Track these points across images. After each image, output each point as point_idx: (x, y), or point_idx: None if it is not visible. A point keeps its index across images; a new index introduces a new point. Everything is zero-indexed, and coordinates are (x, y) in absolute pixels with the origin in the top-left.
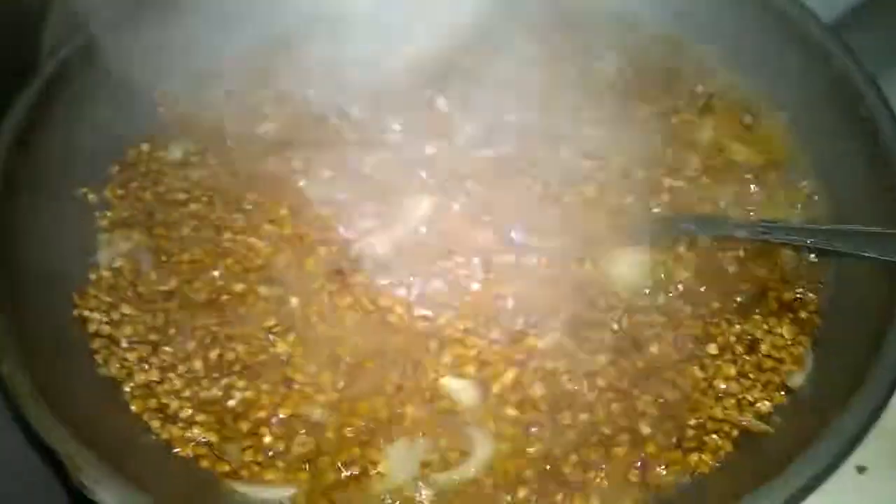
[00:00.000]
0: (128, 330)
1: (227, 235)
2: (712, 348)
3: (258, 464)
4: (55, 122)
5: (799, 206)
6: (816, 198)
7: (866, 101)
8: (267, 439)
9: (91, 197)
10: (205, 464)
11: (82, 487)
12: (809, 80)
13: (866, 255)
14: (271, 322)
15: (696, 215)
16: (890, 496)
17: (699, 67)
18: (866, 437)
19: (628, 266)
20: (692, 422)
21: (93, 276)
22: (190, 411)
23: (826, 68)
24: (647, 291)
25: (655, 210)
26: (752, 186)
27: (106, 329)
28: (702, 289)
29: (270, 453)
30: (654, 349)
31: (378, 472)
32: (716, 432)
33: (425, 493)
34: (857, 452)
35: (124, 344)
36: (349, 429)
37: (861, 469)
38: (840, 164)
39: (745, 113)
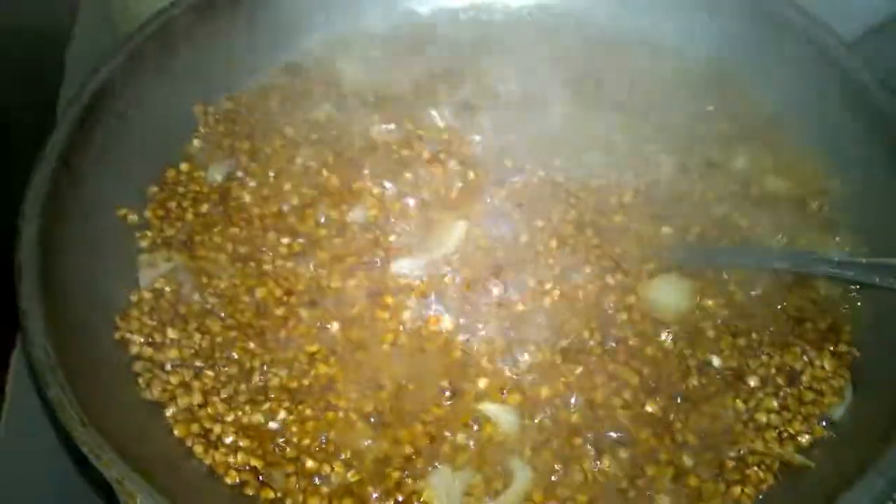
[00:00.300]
0: (171, 353)
1: (268, 258)
2: (753, 380)
3: (303, 490)
4: (96, 142)
5: (837, 238)
6: (852, 230)
7: None
8: (310, 464)
9: (131, 218)
10: (250, 491)
11: None
12: (845, 112)
13: None
14: (314, 347)
15: (735, 247)
16: None
17: (737, 99)
18: None
19: (669, 293)
20: (733, 454)
21: (134, 298)
22: (233, 436)
23: (861, 100)
24: (687, 320)
25: (691, 239)
26: (787, 217)
27: (148, 352)
28: (740, 318)
29: (315, 480)
30: (693, 380)
31: (422, 502)
32: (757, 465)
33: None
34: None
35: (167, 367)
36: (392, 456)
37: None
38: (875, 195)
39: (780, 144)
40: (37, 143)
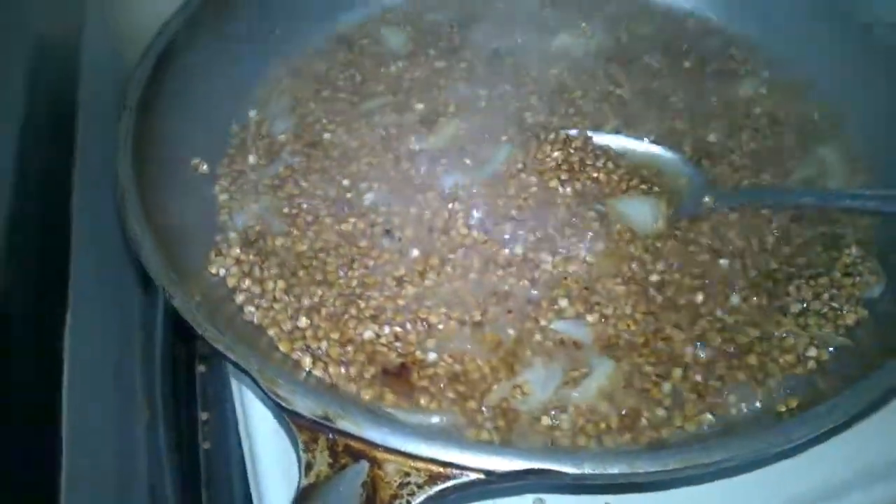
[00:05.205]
0: (269, 285)
1: (350, 195)
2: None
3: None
4: (166, 97)
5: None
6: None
7: None
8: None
9: (202, 169)
10: (368, 395)
11: (278, 398)
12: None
13: None
14: (401, 271)
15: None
16: None
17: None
18: None
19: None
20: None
21: (219, 238)
22: (339, 349)
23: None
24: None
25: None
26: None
27: (246, 283)
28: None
29: (423, 384)
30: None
31: (523, 393)
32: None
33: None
34: None
35: (269, 296)
36: (489, 360)
37: None
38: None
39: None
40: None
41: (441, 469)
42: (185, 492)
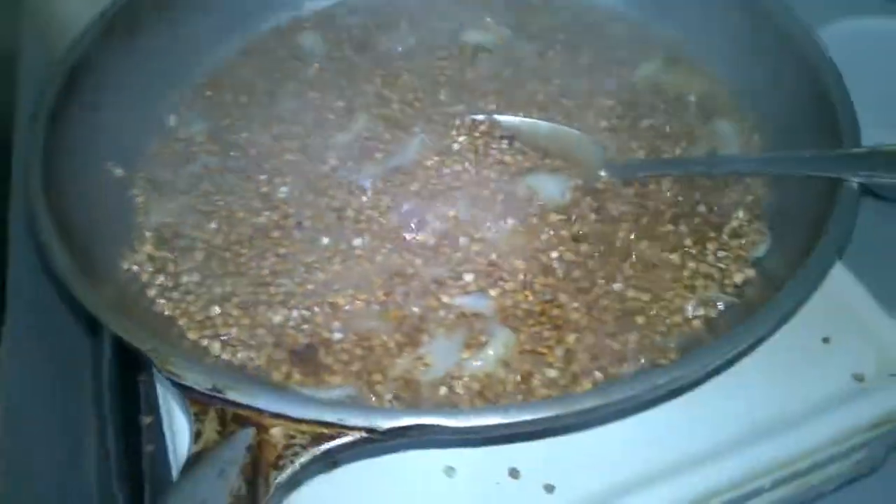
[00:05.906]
0: (182, 278)
1: (264, 189)
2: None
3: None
4: (78, 110)
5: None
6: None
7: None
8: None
9: (117, 171)
10: (276, 376)
11: (173, 375)
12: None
13: (809, 174)
14: (311, 258)
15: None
16: (854, 363)
17: None
18: (830, 312)
19: None
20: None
21: (134, 235)
22: (248, 334)
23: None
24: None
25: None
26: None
27: (159, 279)
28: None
29: (328, 361)
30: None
31: (424, 364)
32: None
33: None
34: (822, 325)
35: (182, 289)
36: (394, 336)
37: (826, 340)
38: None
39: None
40: None
41: (325, 430)
42: (133, 492)
